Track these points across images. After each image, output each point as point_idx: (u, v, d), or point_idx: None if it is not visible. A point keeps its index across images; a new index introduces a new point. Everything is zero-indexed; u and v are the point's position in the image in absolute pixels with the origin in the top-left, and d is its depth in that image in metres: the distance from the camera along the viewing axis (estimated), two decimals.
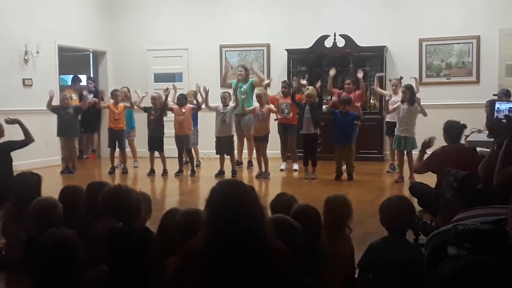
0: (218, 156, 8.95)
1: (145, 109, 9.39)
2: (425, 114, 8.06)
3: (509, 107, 3.51)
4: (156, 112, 9.18)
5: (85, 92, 10.68)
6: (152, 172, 9.12)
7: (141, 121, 9.91)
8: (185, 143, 9.12)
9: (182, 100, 9.07)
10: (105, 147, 10.84)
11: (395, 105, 8.39)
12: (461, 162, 4.75)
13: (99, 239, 3.25)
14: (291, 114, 9.05)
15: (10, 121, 6.49)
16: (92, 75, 12.06)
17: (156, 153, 9.20)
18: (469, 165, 4.43)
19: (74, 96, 10.50)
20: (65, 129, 9.39)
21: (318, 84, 8.73)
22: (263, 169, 8.76)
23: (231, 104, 8.85)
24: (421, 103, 8.16)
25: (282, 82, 9.47)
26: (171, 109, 9.15)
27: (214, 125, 8.95)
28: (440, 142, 5.74)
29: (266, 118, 8.85)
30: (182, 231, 2.82)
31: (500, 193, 2.66)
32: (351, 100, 8.60)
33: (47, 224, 3.19)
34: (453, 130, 5.62)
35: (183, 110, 9.01)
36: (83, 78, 11.98)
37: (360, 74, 9.19)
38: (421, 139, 6.00)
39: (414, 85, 8.40)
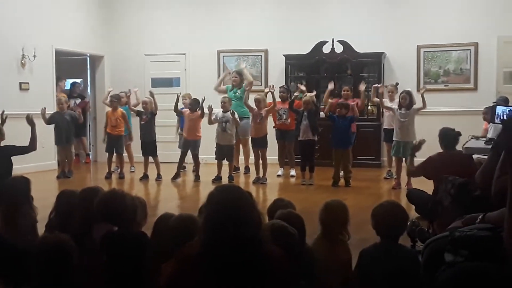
0: (215, 161, 8.92)
1: (138, 113, 9.38)
2: (425, 105, 8.04)
3: (509, 110, 3.47)
4: (147, 116, 9.17)
5: (75, 105, 10.65)
6: (145, 177, 9.08)
7: (137, 126, 9.88)
8: (192, 148, 9.07)
9: (194, 105, 9.02)
10: (101, 152, 10.80)
11: (393, 107, 8.41)
12: (457, 169, 4.75)
13: (95, 244, 3.22)
14: (289, 120, 9.05)
15: (29, 120, 6.45)
16: (88, 80, 11.99)
17: (151, 158, 9.18)
18: (466, 172, 4.42)
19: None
20: (62, 136, 9.35)
21: (314, 93, 8.74)
22: (261, 175, 8.74)
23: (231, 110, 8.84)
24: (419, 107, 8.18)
25: (280, 87, 9.47)
26: (181, 113, 9.16)
27: (212, 130, 8.94)
28: (436, 149, 5.74)
29: (264, 120, 8.86)
30: (176, 236, 2.81)
31: (497, 201, 2.65)
32: (348, 105, 8.55)
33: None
34: (448, 137, 5.63)
35: (192, 116, 8.96)
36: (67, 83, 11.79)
37: (362, 87, 9.14)
38: None
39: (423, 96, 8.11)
